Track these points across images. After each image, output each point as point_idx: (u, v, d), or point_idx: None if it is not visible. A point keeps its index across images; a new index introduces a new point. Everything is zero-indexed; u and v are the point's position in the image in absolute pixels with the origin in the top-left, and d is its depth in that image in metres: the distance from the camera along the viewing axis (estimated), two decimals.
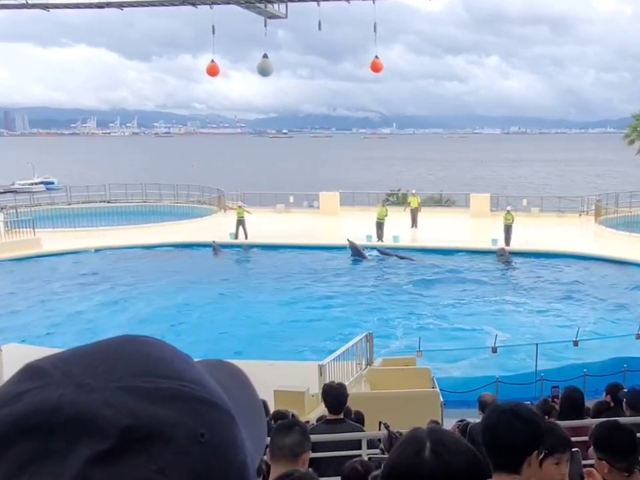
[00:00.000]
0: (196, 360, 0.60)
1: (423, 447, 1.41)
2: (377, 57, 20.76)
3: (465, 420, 8.05)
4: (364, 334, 12.52)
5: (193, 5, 20.29)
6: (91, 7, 20.65)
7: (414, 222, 28.47)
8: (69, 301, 19.73)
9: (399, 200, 35.37)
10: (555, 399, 7.29)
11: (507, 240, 24.82)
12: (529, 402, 9.17)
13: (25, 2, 19.70)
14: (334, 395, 5.89)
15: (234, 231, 26.60)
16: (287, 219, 30.51)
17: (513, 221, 24.93)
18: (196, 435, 0.51)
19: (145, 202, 34.65)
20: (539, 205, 32.21)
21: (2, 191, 44.61)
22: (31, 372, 0.53)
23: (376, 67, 21.01)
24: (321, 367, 10.81)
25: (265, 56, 20.87)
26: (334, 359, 11.32)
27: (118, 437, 0.48)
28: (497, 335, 14.39)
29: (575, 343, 14.09)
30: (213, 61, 21.05)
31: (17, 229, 25.47)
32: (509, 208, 26.10)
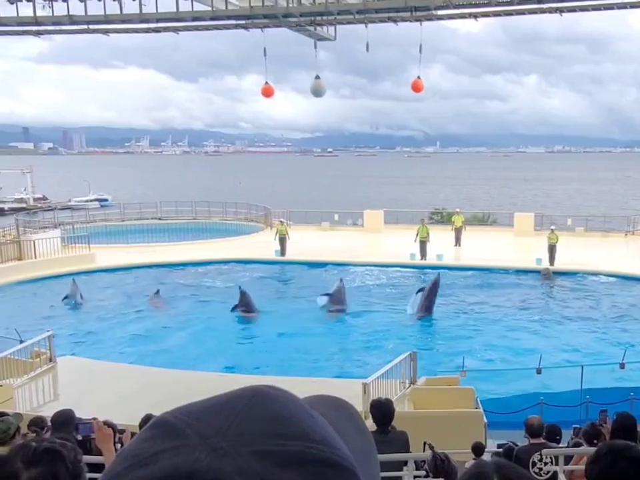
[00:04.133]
0: (314, 395, 0.66)
1: None
2: (419, 77, 21.28)
3: (508, 443, 8.22)
4: (408, 353, 12.58)
5: (246, 28, 21.01)
6: (149, 32, 21.69)
7: (458, 240, 28.67)
8: (121, 314, 20.56)
9: (443, 219, 35.56)
10: (603, 424, 7.04)
11: (551, 259, 24.79)
12: (577, 425, 9.36)
13: (86, 27, 20.85)
14: (382, 410, 5.95)
15: (279, 248, 27.29)
16: (332, 237, 31.06)
17: (557, 240, 24.91)
18: None
19: (194, 219, 35.62)
20: (584, 224, 31.96)
21: (59, 207, 46.44)
22: (164, 429, 0.54)
23: (417, 87, 21.45)
24: (365, 385, 10.93)
25: (317, 77, 21.56)
26: (378, 377, 11.44)
27: None
28: (541, 356, 14.25)
29: (622, 366, 13.92)
30: (267, 82, 21.80)
31: (73, 245, 26.64)
32: (553, 227, 26.10)
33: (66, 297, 21.21)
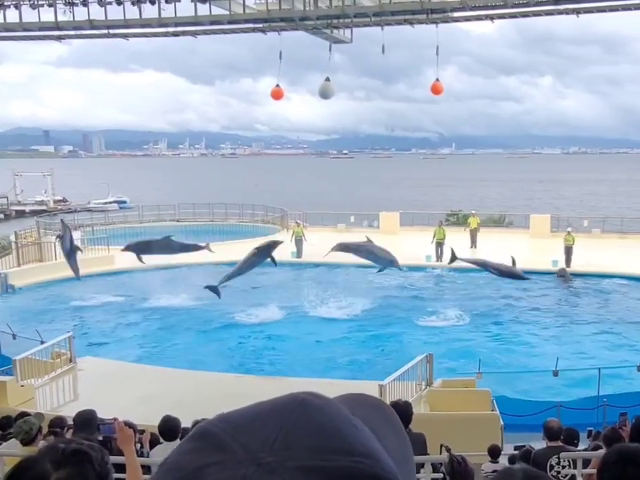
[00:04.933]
0: (350, 394, 0.67)
1: None
2: (437, 79, 21.24)
3: (525, 446, 8.18)
4: (424, 355, 12.63)
5: (263, 32, 21.11)
6: (167, 36, 21.89)
7: (473, 242, 28.60)
8: (140, 315, 20.78)
9: (459, 220, 35.49)
10: (623, 427, 6.99)
11: (568, 261, 24.68)
12: (591, 427, 9.34)
13: (106, 32, 21.10)
14: (400, 413, 6.17)
15: (295, 249, 27.38)
16: (348, 238, 31.03)
17: (573, 242, 24.79)
18: None
19: (212, 221, 35.84)
20: (600, 225, 31.78)
21: (79, 209, 46.97)
22: (209, 441, 0.53)
23: (436, 90, 21.37)
24: (381, 387, 11.01)
25: (327, 79, 21.61)
26: (394, 379, 11.52)
27: None
28: (558, 358, 14.19)
29: (639, 368, 13.82)
30: (278, 85, 21.89)
31: (93, 246, 26.92)
32: (569, 229, 25.97)
33: (59, 237, 21.10)
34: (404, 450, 0.65)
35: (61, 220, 22.15)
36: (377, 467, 0.54)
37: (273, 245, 19.17)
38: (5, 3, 19.77)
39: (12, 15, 20.09)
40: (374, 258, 19.52)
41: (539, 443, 7.82)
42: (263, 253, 19.05)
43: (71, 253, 19.62)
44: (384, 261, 19.25)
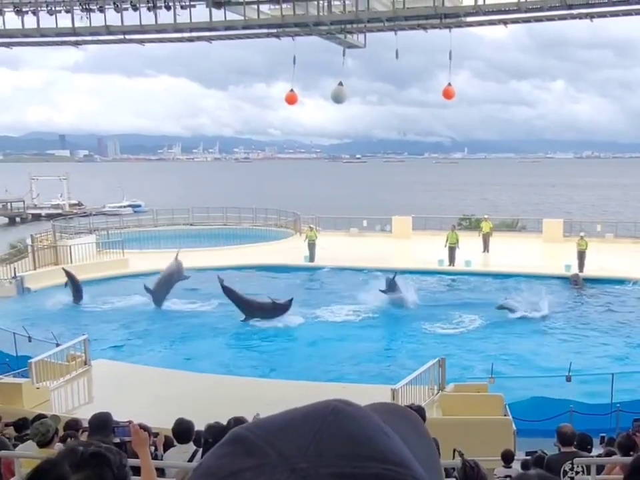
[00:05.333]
0: (380, 402, 0.68)
1: None
2: (449, 84, 21.24)
3: (537, 452, 8.10)
4: (437, 359, 12.63)
5: (277, 37, 21.26)
6: (183, 41, 22.10)
7: (486, 247, 28.50)
8: (154, 319, 20.90)
9: (472, 225, 35.38)
10: (637, 433, 7.02)
11: (581, 266, 24.53)
12: (604, 434, 9.30)
13: (122, 37, 21.33)
14: None
15: (308, 253, 27.42)
16: (360, 243, 31.12)
17: (586, 247, 24.63)
18: None
19: (225, 225, 35.90)
20: (614, 230, 31.53)
21: (94, 213, 47.35)
22: (244, 446, 0.54)
23: (448, 94, 21.40)
24: (393, 391, 11.02)
25: (340, 84, 21.67)
26: (407, 383, 11.53)
27: None
28: (571, 363, 14.14)
29: None
30: (292, 90, 21.98)
31: (108, 250, 27.12)
32: (582, 234, 25.83)
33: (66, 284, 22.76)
34: (432, 459, 0.65)
35: (63, 268, 22.99)
36: (408, 475, 0.55)
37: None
38: (23, 9, 20.03)
39: (30, 21, 20.38)
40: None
41: (550, 449, 7.80)
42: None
43: (76, 295, 22.48)
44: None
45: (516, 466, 7.86)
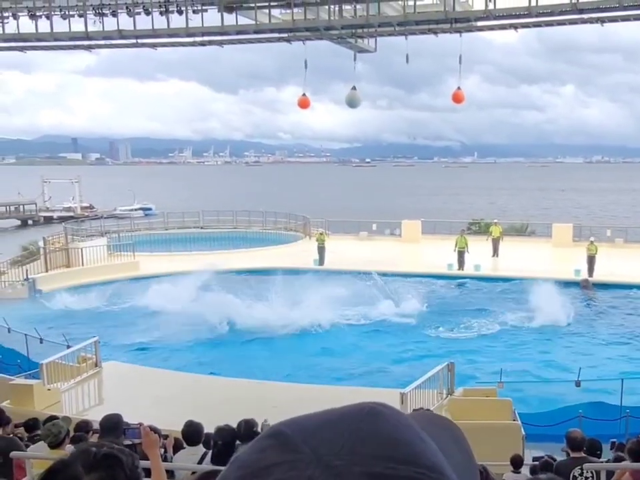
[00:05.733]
0: (421, 411, 0.88)
1: None
2: (459, 88, 21.25)
3: (544, 456, 8.10)
4: (445, 363, 12.64)
5: (288, 41, 21.37)
6: (194, 45, 22.24)
7: (495, 251, 28.45)
8: (164, 321, 20.91)
9: (481, 229, 35.30)
10: None
11: (591, 271, 24.42)
12: (614, 439, 9.26)
13: (135, 41, 21.49)
14: None
15: (317, 257, 27.45)
16: (370, 246, 31.12)
17: (596, 251, 24.54)
18: None
19: (235, 228, 36.01)
20: (624, 235, 31.38)
21: (105, 216, 47.65)
22: (280, 441, 0.55)
23: (458, 98, 21.43)
24: (402, 395, 11.03)
25: (354, 88, 21.74)
26: (415, 387, 11.55)
27: None
28: (580, 368, 14.04)
29: None
30: (304, 94, 22.04)
31: (119, 253, 27.27)
32: (592, 239, 25.73)
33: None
34: (470, 471, 0.66)
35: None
36: None
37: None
38: (37, 14, 20.24)
39: (43, 25, 20.58)
40: None
41: (558, 454, 7.77)
42: None
43: None
44: None
45: (525, 471, 7.84)
